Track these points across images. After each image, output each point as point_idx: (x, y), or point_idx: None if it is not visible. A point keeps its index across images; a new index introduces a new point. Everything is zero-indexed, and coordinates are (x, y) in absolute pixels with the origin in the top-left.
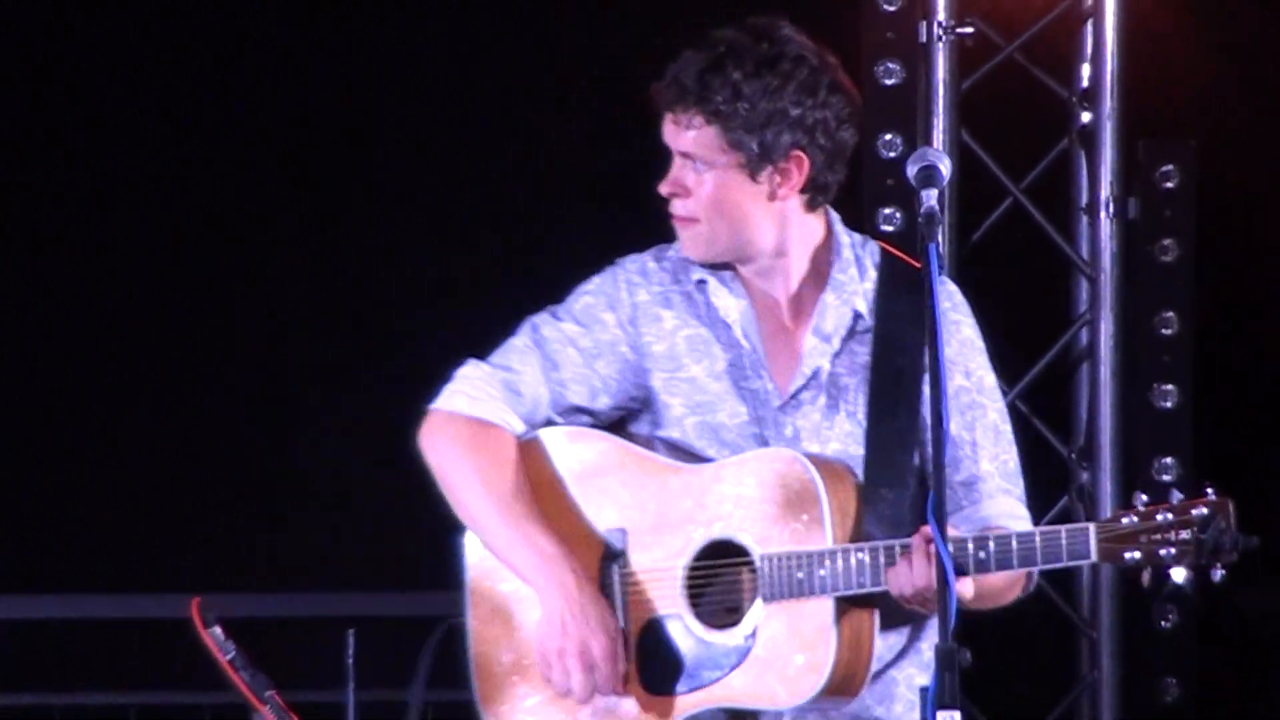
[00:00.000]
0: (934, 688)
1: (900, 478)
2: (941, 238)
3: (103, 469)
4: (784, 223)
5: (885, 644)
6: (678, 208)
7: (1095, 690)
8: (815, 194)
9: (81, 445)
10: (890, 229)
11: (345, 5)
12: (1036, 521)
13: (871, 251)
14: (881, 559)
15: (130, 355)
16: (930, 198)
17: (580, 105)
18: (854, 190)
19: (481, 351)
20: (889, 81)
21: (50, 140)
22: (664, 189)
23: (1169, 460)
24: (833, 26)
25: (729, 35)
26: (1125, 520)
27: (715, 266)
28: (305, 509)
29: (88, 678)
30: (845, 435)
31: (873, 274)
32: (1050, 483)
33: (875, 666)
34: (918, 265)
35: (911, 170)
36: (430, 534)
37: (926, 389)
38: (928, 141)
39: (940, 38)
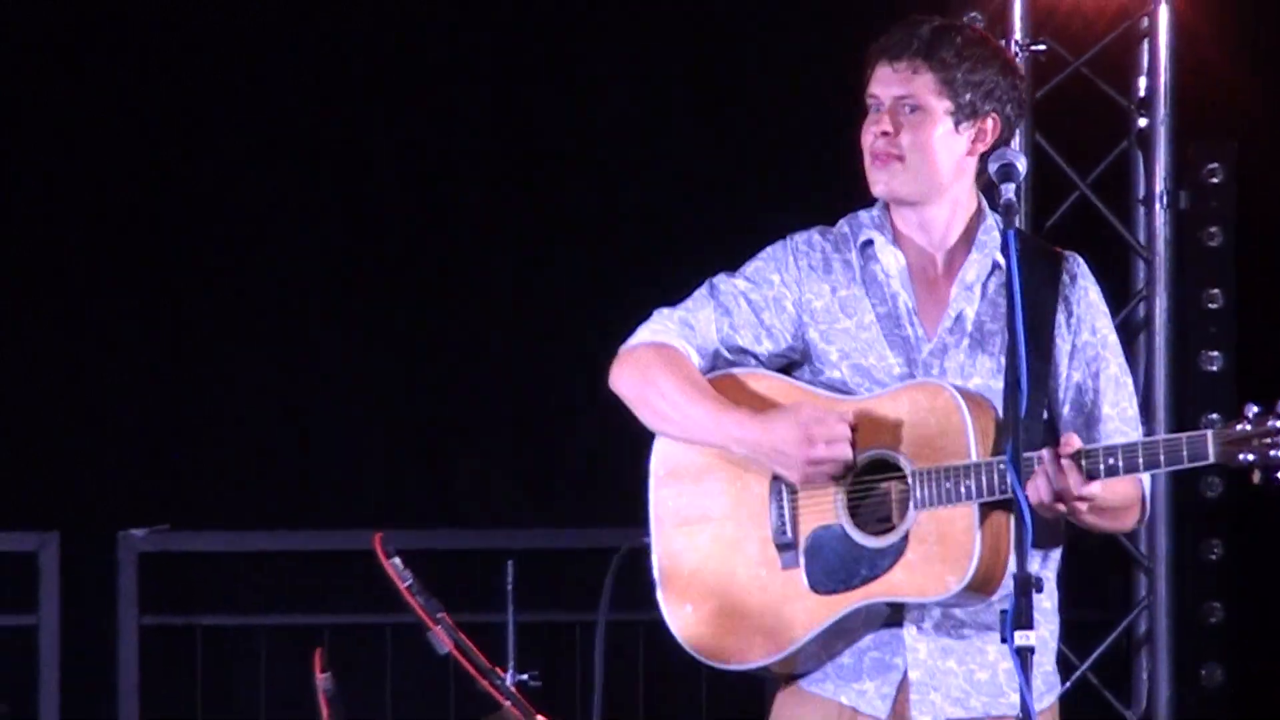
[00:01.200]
0: (1012, 611)
1: (1034, 411)
2: (1018, 225)
3: (305, 422)
4: (964, 177)
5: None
6: (884, 145)
7: (1152, 612)
8: (984, 163)
9: (285, 403)
10: None
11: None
12: None
13: (1010, 236)
14: (1021, 471)
15: (323, 319)
16: (1009, 190)
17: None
18: None
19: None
20: None
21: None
22: (877, 128)
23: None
24: None
25: (938, 20)
26: (1239, 426)
27: (882, 221)
28: (472, 455)
29: (289, 602)
30: (987, 372)
31: (1014, 245)
32: None
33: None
34: (1048, 245)
35: (993, 167)
36: (576, 476)
37: (1058, 341)
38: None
39: (1017, 54)
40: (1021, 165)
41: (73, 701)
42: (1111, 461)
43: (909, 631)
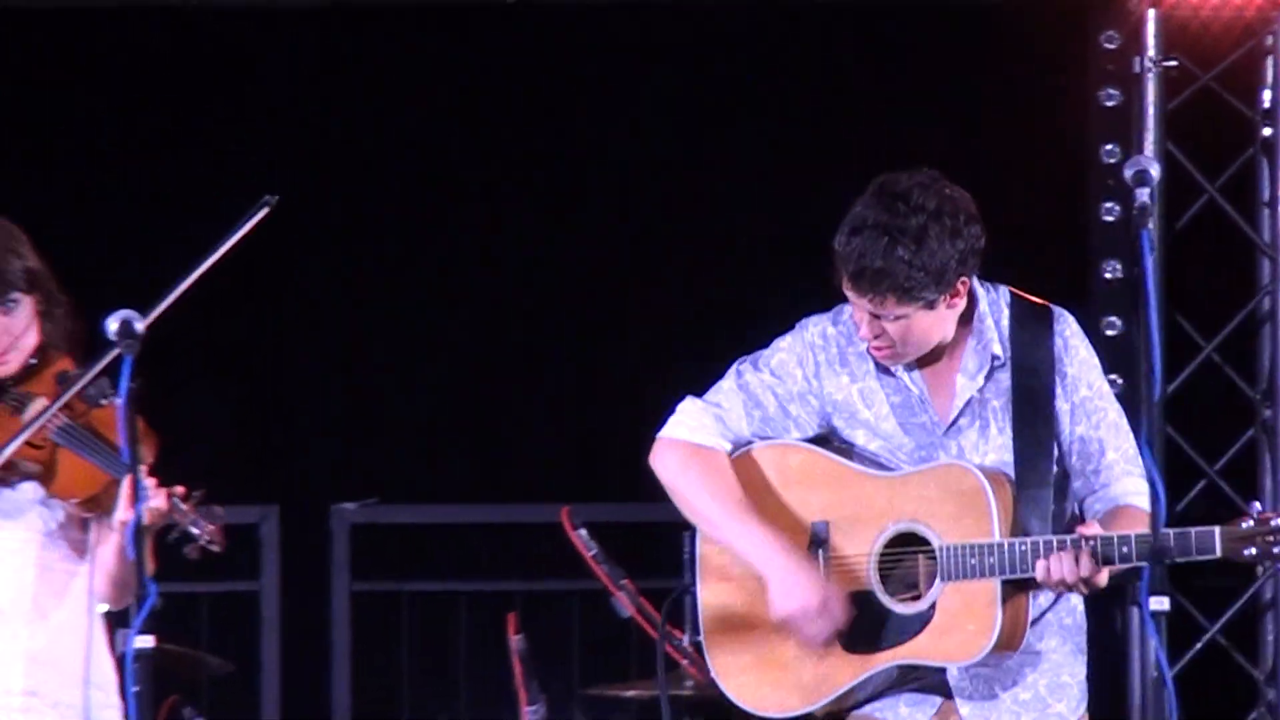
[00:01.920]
0: (1146, 578)
1: (1043, 478)
2: (1152, 226)
3: (502, 402)
4: (951, 318)
5: (1045, 595)
6: (878, 344)
7: (1278, 579)
8: (976, 272)
9: (484, 385)
10: (1111, 219)
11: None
12: (1222, 446)
13: (1003, 295)
14: (1040, 550)
15: (520, 304)
16: (1143, 195)
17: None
18: (1082, 190)
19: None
20: (1110, 103)
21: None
22: (867, 334)
23: None
24: (1065, 61)
25: (878, 217)
26: (1243, 524)
27: None
28: (650, 435)
29: (485, 569)
30: (999, 448)
31: (1005, 311)
32: (1238, 419)
33: (1033, 616)
34: (1040, 303)
35: (1128, 173)
36: None
37: (1058, 404)
38: (1140, 150)
39: (1150, 69)
40: (1155, 172)
41: (291, 659)
42: (1125, 550)
43: (951, 673)
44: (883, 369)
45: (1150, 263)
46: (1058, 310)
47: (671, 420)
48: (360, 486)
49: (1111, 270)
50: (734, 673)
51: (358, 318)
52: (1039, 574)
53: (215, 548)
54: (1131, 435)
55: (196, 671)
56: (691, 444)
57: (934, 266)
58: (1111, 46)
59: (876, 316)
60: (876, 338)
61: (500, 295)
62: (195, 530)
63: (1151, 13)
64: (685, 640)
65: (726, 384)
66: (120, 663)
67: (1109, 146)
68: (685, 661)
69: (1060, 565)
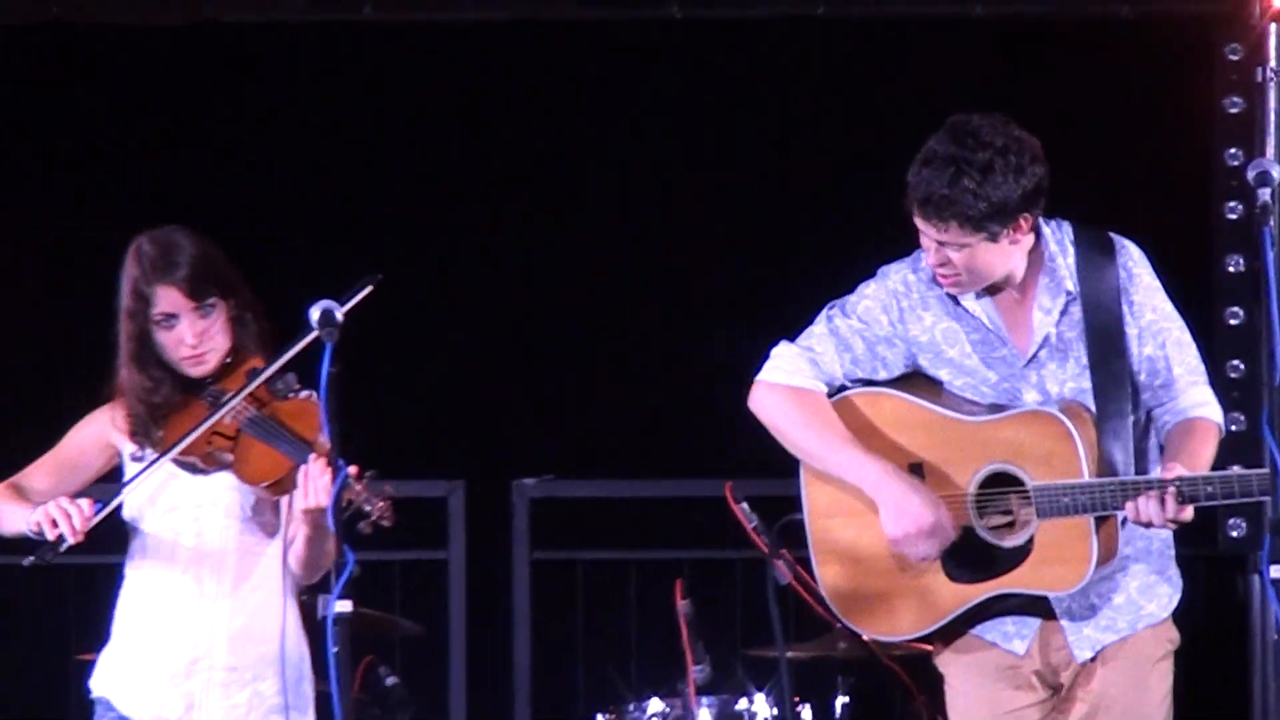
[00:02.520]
0: (1267, 547)
1: (1122, 409)
2: (1272, 223)
3: (668, 383)
4: (1016, 253)
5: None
6: (943, 273)
7: None
8: (1038, 221)
9: (653, 367)
10: (1234, 218)
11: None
12: None
13: (1066, 231)
14: (1128, 491)
15: (689, 286)
16: (1264, 194)
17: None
18: (1207, 191)
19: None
20: (1234, 110)
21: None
22: (934, 261)
23: None
24: (1192, 71)
25: (947, 150)
26: None
27: None
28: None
29: (654, 539)
30: (1076, 376)
31: (1070, 248)
32: None
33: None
34: (1102, 233)
35: (1250, 174)
36: None
37: (1127, 330)
38: (1262, 154)
39: (1272, 78)
40: (1275, 173)
41: (476, 622)
42: (1209, 489)
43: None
44: (962, 310)
45: (1271, 257)
46: (1119, 241)
47: (768, 365)
48: (540, 463)
49: (1234, 264)
50: (845, 599)
51: (539, 302)
52: (1128, 514)
53: (385, 522)
54: (1195, 349)
55: (390, 633)
56: (790, 386)
57: (997, 199)
58: (1235, 58)
59: (942, 244)
60: (942, 265)
61: (676, 268)
62: (367, 507)
63: (1274, 27)
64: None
65: (818, 329)
66: (319, 627)
67: (1232, 151)
68: (839, 625)
69: (1147, 507)
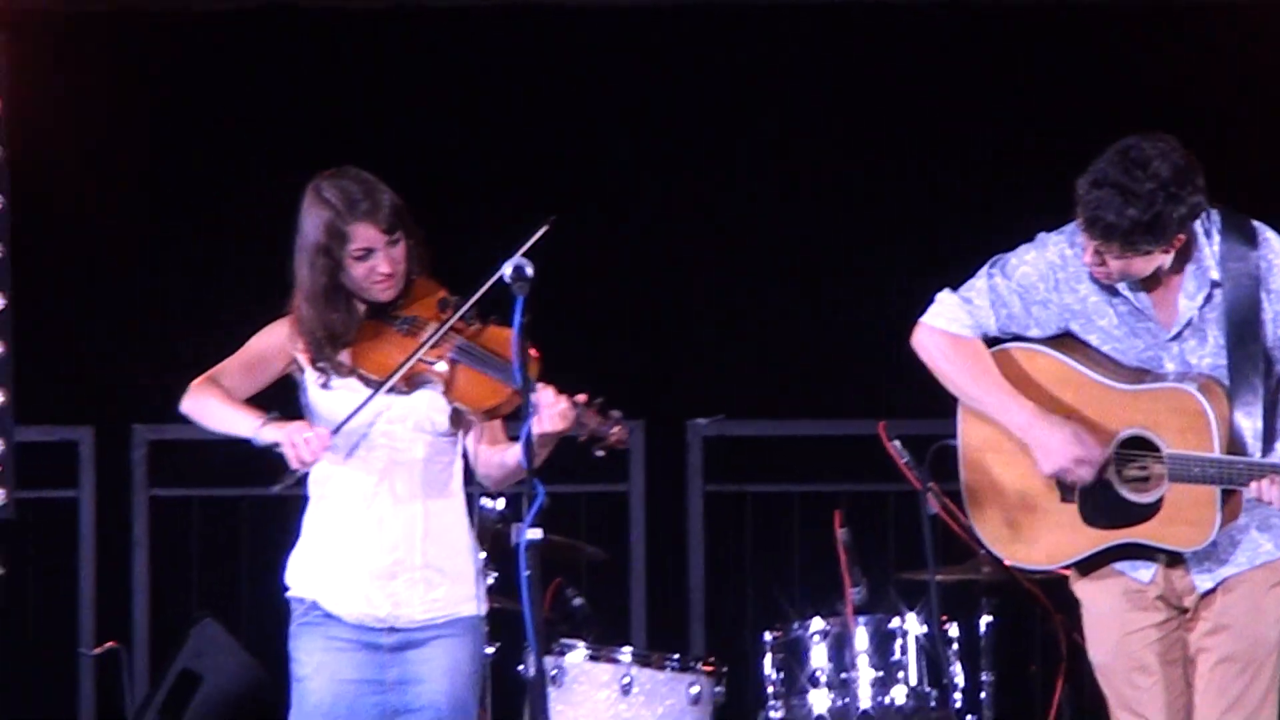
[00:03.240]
0: None
1: (1254, 389)
2: None
3: (833, 327)
4: (1168, 258)
5: None
6: (1098, 272)
7: None
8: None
9: (816, 311)
10: None
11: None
12: None
13: (1214, 219)
14: (1254, 472)
15: (839, 232)
16: None
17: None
18: None
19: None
20: None
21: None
22: (1087, 262)
23: None
24: None
25: (1116, 178)
26: None
27: None
28: None
29: (817, 473)
30: (1213, 354)
31: (1216, 236)
32: None
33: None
34: (1246, 221)
35: None
36: None
37: (1264, 315)
38: None
39: None
40: None
41: (655, 550)
42: None
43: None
44: (1114, 288)
45: (1267, 238)
46: (1262, 232)
47: (930, 310)
48: (712, 404)
49: None
50: (992, 528)
51: (713, 253)
52: (1250, 492)
53: (622, 446)
54: None
55: (576, 559)
56: (949, 333)
57: (1157, 227)
58: None
59: (1099, 253)
60: (1097, 266)
61: (824, 216)
62: (603, 431)
63: None
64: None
65: (979, 284)
66: (514, 553)
67: None
68: (982, 551)
69: (1270, 490)
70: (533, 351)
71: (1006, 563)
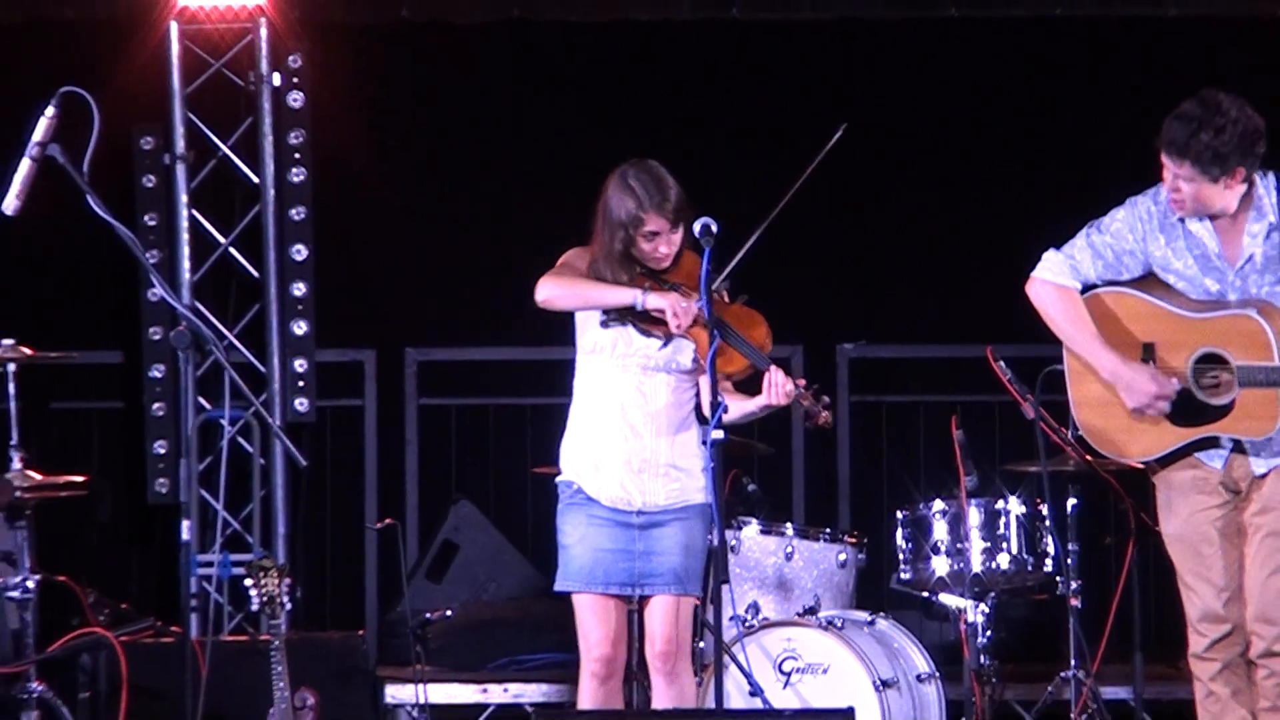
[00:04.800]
0: None
1: None
2: None
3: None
4: (1231, 194)
5: None
6: (1173, 198)
7: None
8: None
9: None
10: None
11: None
12: None
13: (1271, 180)
14: None
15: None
16: None
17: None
18: None
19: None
20: None
21: None
22: (1168, 187)
23: None
24: None
25: (1195, 112)
26: None
27: None
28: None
29: (940, 387)
30: (1271, 283)
31: (1274, 192)
32: None
33: None
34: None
35: None
36: None
37: None
38: None
39: None
40: None
41: (811, 447)
42: None
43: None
44: (1189, 232)
45: None
46: None
47: (1040, 266)
48: (858, 329)
49: None
50: (1096, 432)
51: (860, 198)
52: None
53: (828, 425)
54: None
55: (750, 454)
56: (1056, 284)
57: (1222, 152)
58: None
59: (1176, 176)
60: (1175, 192)
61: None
62: (814, 411)
63: None
64: (1069, 434)
65: (1079, 242)
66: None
67: None
68: (1068, 449)
69: None
70: (762, 324)
71: (1089, 458)
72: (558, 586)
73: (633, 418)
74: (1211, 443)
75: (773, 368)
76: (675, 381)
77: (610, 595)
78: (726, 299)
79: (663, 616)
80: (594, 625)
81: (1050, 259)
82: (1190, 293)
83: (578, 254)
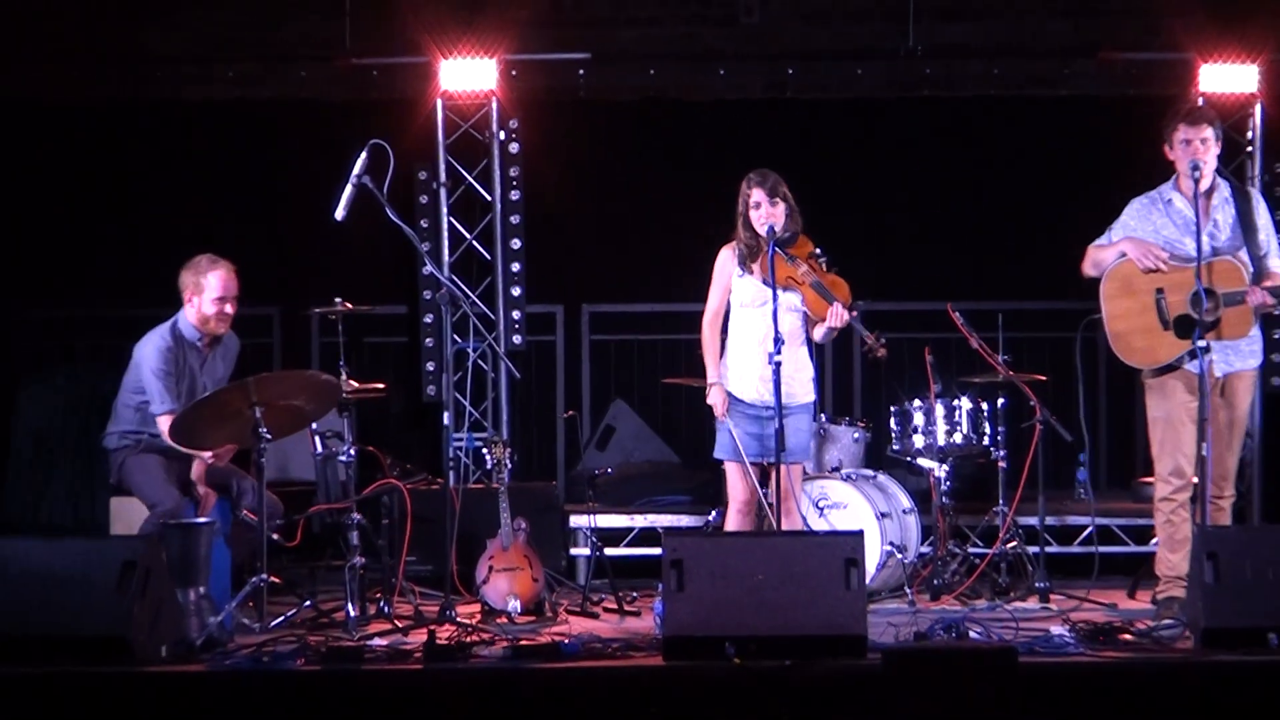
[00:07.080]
0: None
1: (1257, 255)
2: None
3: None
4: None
5: None
6: (1205, 161)
7: None
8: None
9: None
10: None
11: None
12: None
13: (1225, 180)
14: (1268, 296)
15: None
16: None
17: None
18: None
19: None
20: None
21: None
22: (1190, 154)
23: None
24: None
25: (1196, 103)
26: None
27: (1174, 186)
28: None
29: (919, 329)
30: (1229, 238)
31: (1229, 185)
32: None
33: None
34: (1245, 185)
35: None
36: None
37: (1257, 223)
38: None
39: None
40: None
41: (837, 372)
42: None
43: (1213, 340)
44: (1176, 210)
45: (1255, 191)
46: (1252, 189)
47: (1093, 245)
48: (865, 289)
49: None
50: (1122, 343)
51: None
52: (1252, 300)
53: (881, 355)
54: (1273, 231)
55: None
56: (1093, 246)
57: (1218, 122)
58: None
59: (1204, 141)
60: (1203, 154)
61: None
62: (868, 341)
63: None
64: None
65: (1113, 227)
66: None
67: None
68: (1000, 367)
69: (1262, 295)
70: (844, 285)
71: (1126, 360)
72: (716, 454)
73: (768, 340)
74: (1199, 351)
75: (837, 303)
76: (794, 316)
77: (750, 463)
78: (825, 268)
79: (782, 477)
80: (738, 482)
81: (1095, 242)
82: (1180, 250)
83: (721, 264)
